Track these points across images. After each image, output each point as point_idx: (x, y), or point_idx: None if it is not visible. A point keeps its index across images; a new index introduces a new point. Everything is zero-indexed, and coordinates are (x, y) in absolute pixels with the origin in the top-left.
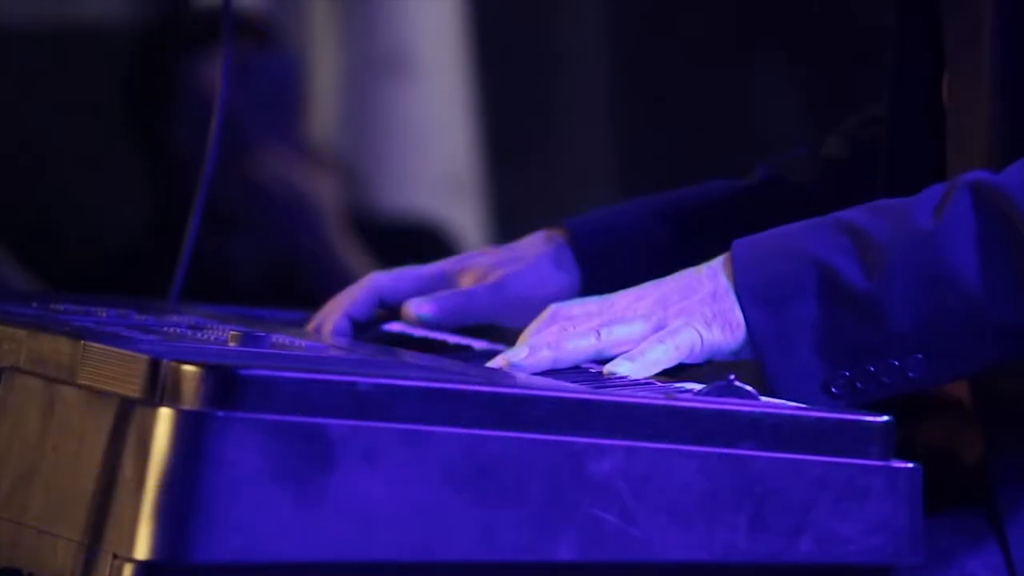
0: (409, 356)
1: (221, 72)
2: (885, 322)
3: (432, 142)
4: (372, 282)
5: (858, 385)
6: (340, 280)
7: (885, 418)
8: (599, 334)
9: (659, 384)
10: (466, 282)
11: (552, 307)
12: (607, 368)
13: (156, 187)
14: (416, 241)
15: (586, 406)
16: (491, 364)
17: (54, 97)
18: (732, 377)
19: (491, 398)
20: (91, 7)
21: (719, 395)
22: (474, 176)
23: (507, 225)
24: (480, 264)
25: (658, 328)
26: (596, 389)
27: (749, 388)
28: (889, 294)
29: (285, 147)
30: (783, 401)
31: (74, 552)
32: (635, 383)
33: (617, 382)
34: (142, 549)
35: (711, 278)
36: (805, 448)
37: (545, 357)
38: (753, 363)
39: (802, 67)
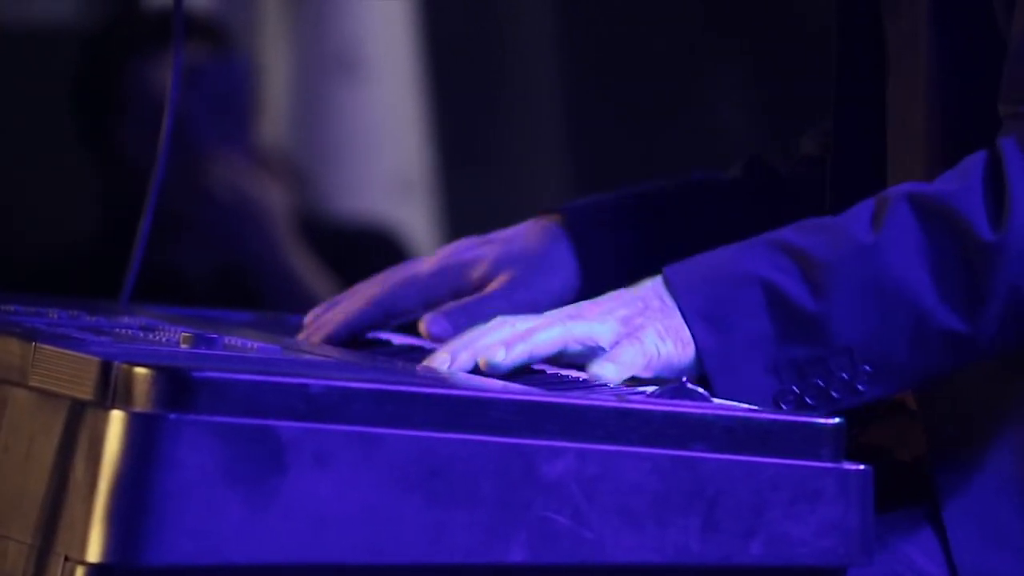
0: (363, 358)
1: (171, 74)
2: (831, 336)
3: (383, 144)
4: (376, 293)
5: (807, 400)
6: (290, 283)
7: (836, 420)
8: (564, 324)
9: (611, 386)
10: (474, 278)
11: (499, 318)
12: (589, 373)
13: (107, 189)
14: (367, 243)
15: (538, 408)
16: (458, 365)
17: (3, 99)
18: (684, 379)
19: (442, 400)
20: (41, 7)
21: (671, 397)
22: (425, 178)
23: (458, 227)
24: (481, 260)
25: (616, 332)
26: (548, 391)
27: (701, 390)
28: (834, 308)
29: (236, 150)
30: (734, 403)
31: (25, 554)
32: (587, 384)
33: (569, 383)
34: (94, 552)
35: (656, 296)
36: (756, 450)
37: (520, 352)
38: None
39: (756, 65)
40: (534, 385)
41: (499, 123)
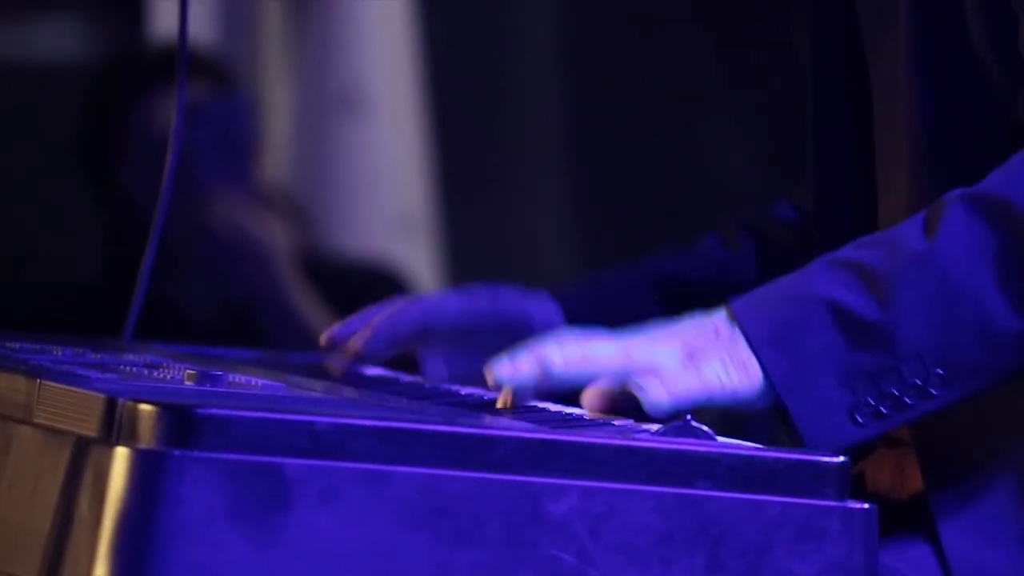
0: (369, 395)
1: (175, 112)
2: (900, 343)
3: (385, 182)
4: (417, 305)
5: (883, 410)
6: (293, 320)
7: (841, 459)
8: (624, 344)
9: (616, 424)
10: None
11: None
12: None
13: (109, 227)
14: (369, 281)
15: (543, 446)
16: (521, 371)
17: (5, 136)
18: (689, 417)
19: (448, 438)
20: (43, 45)
21: (676, 435)
22: (428, 216)
23: (461, 264)
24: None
25: (678, 359)
26: (552, 429)
27: (705, 428)
28: (899, 315)
29: (238, 188)
30: (739, 441)
31: None
32: (592, 423)
33: (574, 421)
34: None
35: (723, 326)
36: (761, 488)
37: (577, 363)
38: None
39: (758, 106)
40: (539, 423)
41: (501, 161)
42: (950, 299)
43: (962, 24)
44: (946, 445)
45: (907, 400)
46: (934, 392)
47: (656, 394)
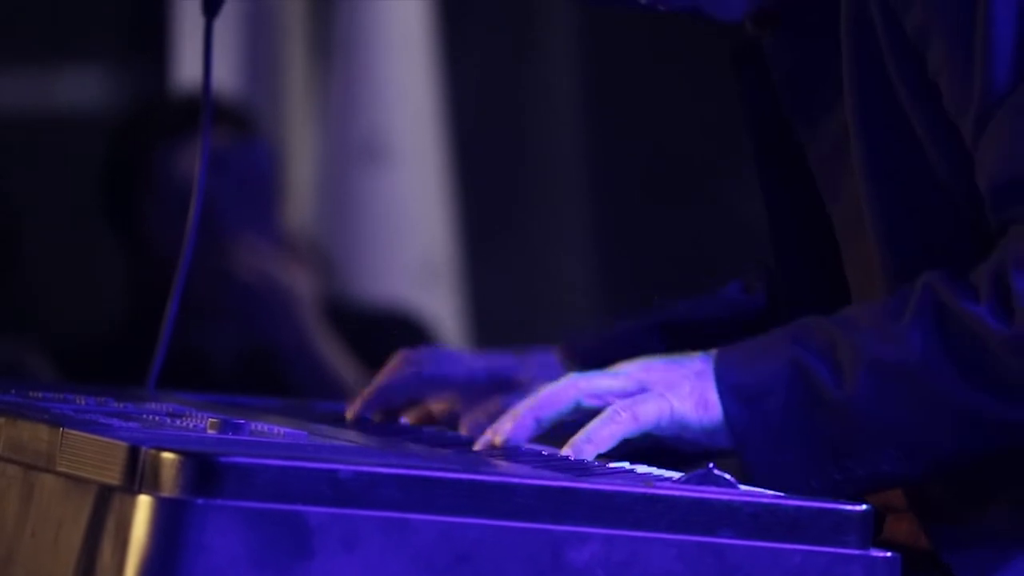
0: (390, 444)
1: (198, 160)
2: (858, 420)
3: (409, 230)
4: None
5: (836, 477)
6: (316, 368)
7: (864, 507)
8: (577, 383)
9: (638, 472)
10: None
11: (570, 375)
12: (565, 449)
13: (133, 275)
14: (392, 329)
15: (565, 494)
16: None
17: (30, 185)
18: (711, 465)
19: (470, 485)
20: (67, 94)
21: (698, 483)
22: (451, 264)
23: (484, 314)
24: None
25: (637, 388)
26: (574, 477)
27: (728, 476)
28: (860, 394)
29: (261, 236)
30: (761, 489)
31: None
32: (614, 471)
33: (596, 469)
34: None
35: (702, 361)
36: (783, 537)
37: (527, 424)
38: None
39: None
40: (561, 470)
41: (524, 209)
42: (911, 381)
43: (912, 137)
44: (948, 511)
45: (860, 472)
46: (886, 468)
47: (576, 447)
